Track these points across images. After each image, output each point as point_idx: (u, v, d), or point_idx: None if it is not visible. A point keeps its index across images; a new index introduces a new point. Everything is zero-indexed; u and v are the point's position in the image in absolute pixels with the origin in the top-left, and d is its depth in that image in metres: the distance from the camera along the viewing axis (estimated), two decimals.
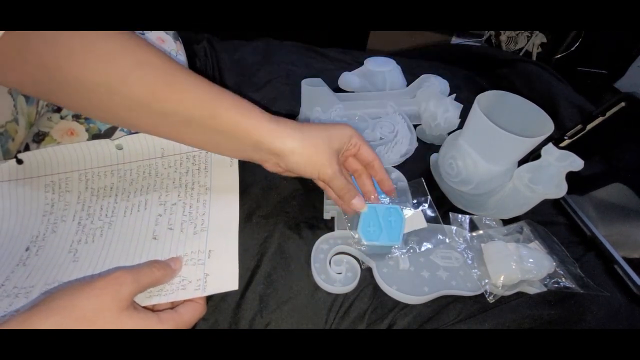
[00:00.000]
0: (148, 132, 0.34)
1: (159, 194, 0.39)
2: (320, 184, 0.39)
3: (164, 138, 0.35)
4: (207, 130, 0.32)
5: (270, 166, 0.36)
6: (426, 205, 0.41)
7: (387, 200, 0.40)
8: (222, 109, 0.32)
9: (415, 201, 0.41)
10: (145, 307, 0.29)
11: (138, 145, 0.41)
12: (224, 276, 0.32)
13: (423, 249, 0.38)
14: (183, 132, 0.33)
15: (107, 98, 0.30)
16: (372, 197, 0.39)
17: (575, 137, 0.45)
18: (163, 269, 0.30)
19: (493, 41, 1.06)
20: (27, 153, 0.39)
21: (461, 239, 0.39)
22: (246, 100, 0.33)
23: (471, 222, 0.41)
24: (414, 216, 0.38)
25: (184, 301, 0.31)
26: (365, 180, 0.39)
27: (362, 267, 0.36)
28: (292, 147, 0.33)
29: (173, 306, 0.30)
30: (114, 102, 0.31)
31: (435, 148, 0.50)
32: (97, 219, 0.37)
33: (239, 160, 0.42)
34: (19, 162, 0.39)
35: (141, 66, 0.30)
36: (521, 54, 0.99)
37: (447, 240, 0.39)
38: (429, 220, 0.39)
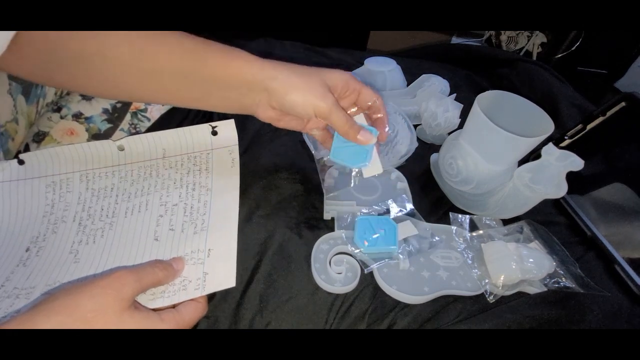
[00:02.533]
0: (142, 96, 0.35)
1: (160, 194, 0.39)
2: (317, 126, 0.36)
3: (155, 102, 0.36)
4: (196, 81, 0.32)
5: (264, 111, 0.34)
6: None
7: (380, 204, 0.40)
8: (210, 55, 0.32)
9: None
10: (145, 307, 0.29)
11: (140, 146, 0.41)
12: (222, 274, 0.32)
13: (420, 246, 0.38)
14: (173, 88, 0.33)
15: (99, 66, 0.31)
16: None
17: (576, 137, 0.45)
18: (165, 269, 0.30)
19: (493, 41, 1.06)
20: (29, 153, 0.39)
21: (461, 238, 0.39)
22: (234, 47, 0.33)
23: (471, 222, 0.41)
24: (405, 224, 0.39)
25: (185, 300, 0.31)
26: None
27: (365, 272, 0.36)
28: (283, 81, 0.31)
29: (174, 305, 0.30)
30: (106, 69, 0.31)
31: (436, 148, 0.50)
32: (98, 220, 0.37)
33: (240, 160, 0.42)
34: (21, 162, 0.39)
35: (130, 31, 0.31)
36: (521, 53, 0.99)
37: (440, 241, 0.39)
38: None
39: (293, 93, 0.32)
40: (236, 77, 0.32)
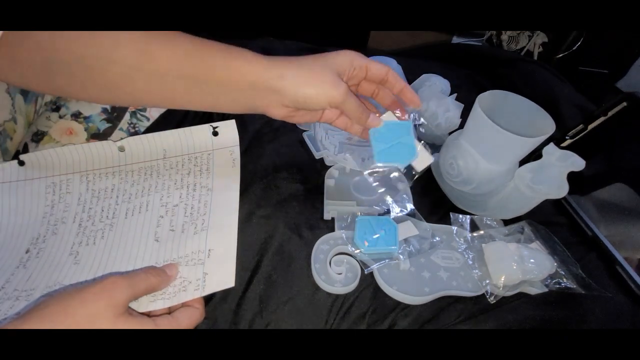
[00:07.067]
0: (145, 101, 0.34)
1: (160, 195, 0.39)
2: (332, 116, 0.35)
3: (161, 106, 0.34)
4: (202, 83, 0.31)
5: (276, 109, 0.33)
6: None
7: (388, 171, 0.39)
8: (213, 57, 0.31)
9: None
10: (140, 313, 0.29)
11: (140, 146, 0.41)
12: (222, 274, 0.32)
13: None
14: (179, 91, 0.32)
15: (104, 69, 0.30)
16: (397, 109, 0.36)
17: (577, 137, 0.45)
18: (158, 276, 0.30)
19: (494, 41, 1.06)
20: (29, 154, 0.39)
21: (462, 239, 0.39)
22: (237, 47, 0.32)
23: (472, 222, 0.41)
24: (405, 225, 0.39)
25: (181, 305, 0.31)
26: (384, 95, 0.37)
27: (365, 272, 0.36)
28: (292, 78, 0.31)
29: (170, 311, 0.30)
30: (111, 72, 0.30)
31: (436, 148, 0.50)
32: (98, 221, 0.37)
33: (240, 160, 0.42)
34: (21, 163, 0.38)
35: (129, 31, 0.30)
36: (522, 53, 0.99)
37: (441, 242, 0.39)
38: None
39: (304, 88, 0.31)
40: (241, 79, 0.31)
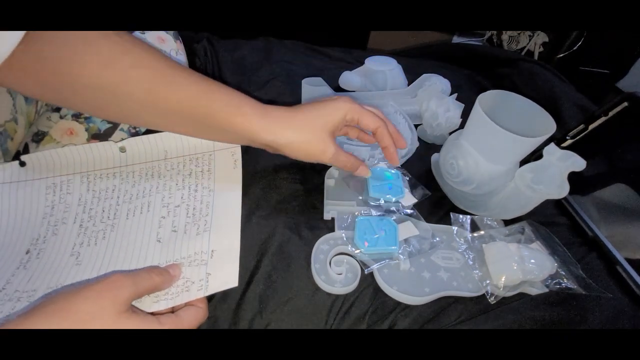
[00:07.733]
0: (154, 128, 0.37)
1: (162, 196, 0.39)
2: None
3: (171, 132, 0.38)
4: (204, 126, 0.35)
5: (272, 151, 0.38)
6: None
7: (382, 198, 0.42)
8: (215, 108, 0.33)
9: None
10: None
11: (141, 147, 0.41)
12: (225, 275, 0.32)
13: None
14: (184, 129, 0.37)
15: (112, 99, 0.32)
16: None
17: (578, 137, 0.45)
18: (162, 275, 0.30)
19: (494, 40, 1.06)
20: (30, 155, 0.39)
21: (462, 239, 0.39)
22: (239, 95, 0.34)
23: (472, 222, 0.41)
24: (405, 225, 0.39)
25: (185, 305, 0.31)
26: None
27: (366, 272, 0.36)
28: (286, 140, 0.34)
29: (173, 310, 0.30)
30: (118, 102, 0.33)
31: (436, 148, 0.50)
32: (99, 222, 0.37)
33: (241, 160, 0.42)
34: (22, 164, 0.39)
35: (138, 67, 0.32)
36: (523, 53, 0.99)
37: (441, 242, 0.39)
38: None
39: (296, 149, 0.35)
40: (239, 132, 0.34)
